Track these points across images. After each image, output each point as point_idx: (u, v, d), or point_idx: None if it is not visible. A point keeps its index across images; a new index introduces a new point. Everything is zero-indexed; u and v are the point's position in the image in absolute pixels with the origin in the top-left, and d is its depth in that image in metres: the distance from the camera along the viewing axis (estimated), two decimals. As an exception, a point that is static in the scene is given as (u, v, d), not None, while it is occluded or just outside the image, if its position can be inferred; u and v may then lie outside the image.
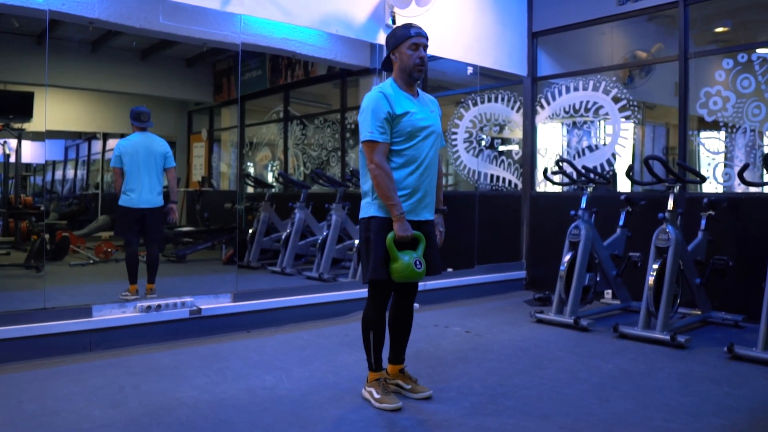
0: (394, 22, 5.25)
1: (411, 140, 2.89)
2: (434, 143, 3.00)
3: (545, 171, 5.56)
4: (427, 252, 2.94)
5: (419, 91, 3.05)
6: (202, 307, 4.27)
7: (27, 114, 8.78)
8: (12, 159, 9.44)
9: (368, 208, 2.94)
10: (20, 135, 8.97)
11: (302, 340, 4.20)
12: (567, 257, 4.81)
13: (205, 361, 3.66)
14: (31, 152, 10.00)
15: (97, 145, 12.16)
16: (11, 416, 2.74)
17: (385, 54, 3.03)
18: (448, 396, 3.10)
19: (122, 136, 11.41)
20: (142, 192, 4.98)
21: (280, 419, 2.77)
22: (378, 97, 2.86)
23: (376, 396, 2.94)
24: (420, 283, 5.49)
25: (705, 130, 5.31)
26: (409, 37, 2.91)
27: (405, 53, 2.92)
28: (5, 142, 9.27)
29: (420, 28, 2.96)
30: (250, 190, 9.29)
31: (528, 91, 6.52)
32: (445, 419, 2.79)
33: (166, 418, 2.75)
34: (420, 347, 4.05)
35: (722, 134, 5.20)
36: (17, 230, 8.51)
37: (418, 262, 2.83)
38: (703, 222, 4.75)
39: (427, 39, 2.97)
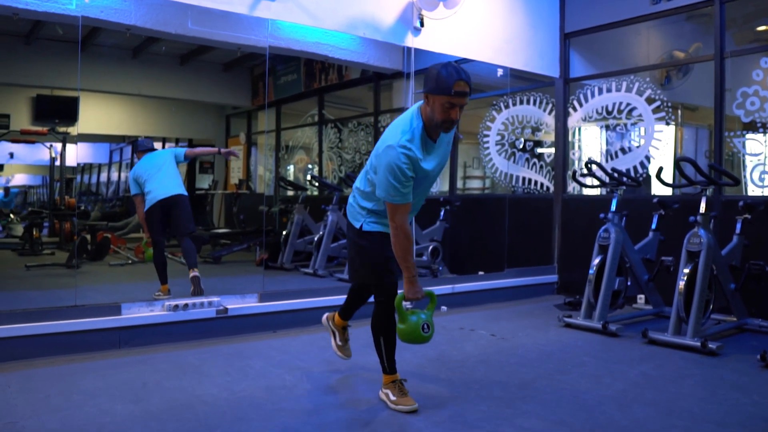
0: (422, 24, 5.25)
1: (415, 188, 2.85)
2: (436, 176, 2.97)
3: (574, 173, 5.47)
4: None
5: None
6: (229, 306, 4.34)
7: (71, 118, 9.08)
8: (57, 162, 9.77)
9: (363, 219, 2.96)
10: (65, 139, 9.27)
11: (326, 341, 4.19)
12: (596, 261, 4.73)
13: (228, 359, 3.72)
14: (75, 155, 10.34)
15: (139, 149, 12.48)
16: (37, 409, 2.83)
17: (420, 86, 2.78)
18: (465, 399, 3.09)
19: (164, 140, 11.69)
20: (162, 186, 5.04)
21: (296, 418, 2.80)
22: (402, 160, 2.68)
23: (392, 398, 2.94)
24: (448, 286, 5.55)
25: (749, 131, 5.15)
26: (448, 96, 2.64)
27: (438, 107, 2.68)
28: (51, 145, 9.62)
29: (464, 83, 2.66)
30: (290, 192, 9.41)
31: (560, 92, 6.43)
32: (460, 422, 2.78)
33: (184, 415, 2.81)
34: (443, 350, 4.04)
35: (760, 135, 5.04)
36: (61, 231, 8.80)
37: (426, 326, 2.81)
38: (739, 225, 4.60)
39: (468, 95, 2.70)
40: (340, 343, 3.50)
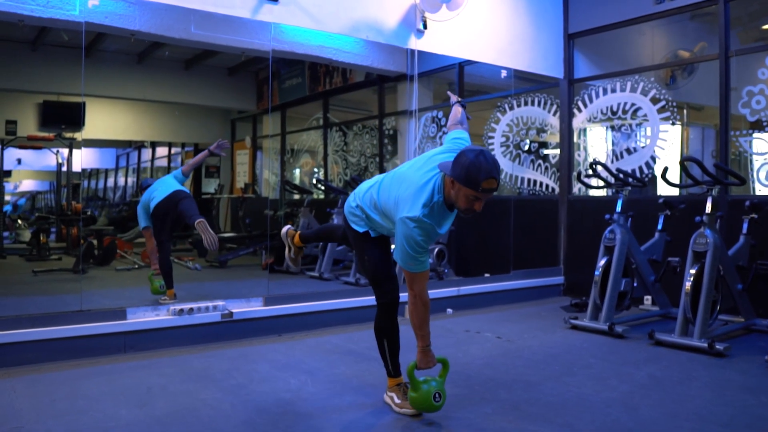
0: (425, 26, 5.25)
1: None
2: None
3: (578, 174, 5.45)
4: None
5: None
6: (234, 310, 4.34)
7: (78, 124, 9.12)
8: (64, 167, 9.82)
9: (368, 228, 2.97)
10: (71, 144, 9.31)
11: (331, 345, 4.23)
12: (602, 262, 4.71)
13: (233, 363, 3.72)
14: (80, 160, 10.36)
15: (146, 153, 12.55)
16: (42, 414, 2.84)
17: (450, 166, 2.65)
18: (470, 401, 3.07)
19: (170, 144, 11.72)
20: (162, 190, 5.04)
21: (299, 421, 2.79)
22: (419, 233, 2.64)
23: (397, 401, 2.94)
24: (454, 288, 5.54)
25: (755, 130, 5.12)
26: (474, 191, 2.56)
27: (462, 197, 2.61)
28: (58, 151, 9.65)
29: (493, 183, 2.57)
30: (296, 196, 9.42)
31: (565, 93, 6.41)
32: (465, 425, 2.76)
33: (189, 419, 2.81)
34: (448, 353, 4.00)
35: (766, 134, 5.00)
36: (68, 236, 8.83)
37: (437, 395, 2.78)
38: (745, 225, 4.57)
39: (495, 191, 2.64)
40: (293, 256, 3.58)
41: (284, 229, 3.61)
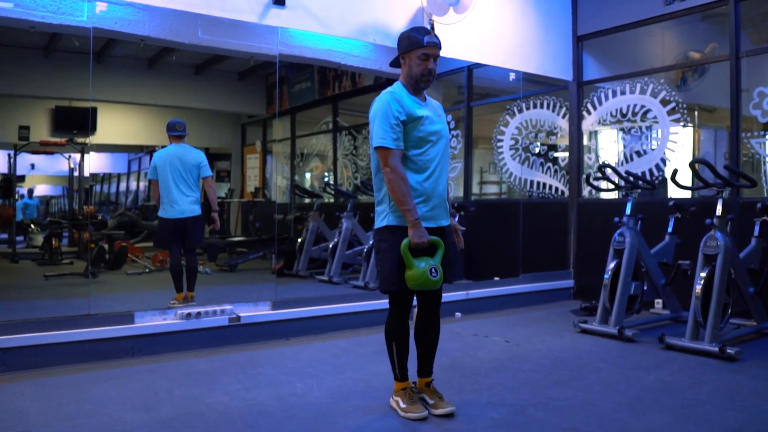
0: (432, 29, 5.24)
1: (422, 146, 2.84)
2: (445, 148, 2.95)
3: (587, 177, 5.41)
4: (446, 257, 2.85)
5: (426, 96, 2.99)
6: (242, 314, 4.34)
7: (90, 128, 9.20)
8: (76, 172, 9.89)
9: (383, 218, 2.90)
10: (83, 149, 9.38)
11: (338, 349, 4.22)
12: (611, 265, 4.66)
13: (240, 367, 3.72)
14: (88, 165, 10.46)
15: (157, 158, 12.63)
16: (49, 417, 2.86)
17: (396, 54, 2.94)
18: (477, 406, 3.05)
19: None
20: (179, 202, 5.07)
21: (305, 426, 2.79)
22: (389, 101, 2.80)
23: (402, 405, 2.92)
24: (463, 292, 5.51)
25: (767, 132, 5.06)
26: (420, 47, 2.83)
27: (415, 62, 2.85)
28: (70, 156, 9.74)
29: (433, 36, 2.86)
30: (306, 200, 9.43)
31: (574, 96, 6.38)
32: (471, 430, 2.74)
33: (194, 423, 2.81)
34: (456, 357, 4.00)
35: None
36: (80, 240, 8.90)
37: (433, 270, 2.73)
38: (757, 228, 4.52)
39: (440, 47, 2.88)
40: (405, 405, 2.93)
41: (392, 403, 3.00)
